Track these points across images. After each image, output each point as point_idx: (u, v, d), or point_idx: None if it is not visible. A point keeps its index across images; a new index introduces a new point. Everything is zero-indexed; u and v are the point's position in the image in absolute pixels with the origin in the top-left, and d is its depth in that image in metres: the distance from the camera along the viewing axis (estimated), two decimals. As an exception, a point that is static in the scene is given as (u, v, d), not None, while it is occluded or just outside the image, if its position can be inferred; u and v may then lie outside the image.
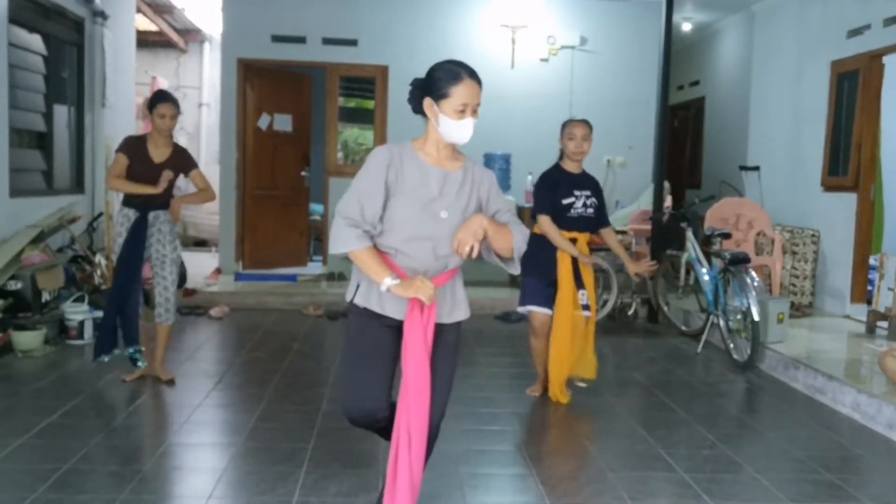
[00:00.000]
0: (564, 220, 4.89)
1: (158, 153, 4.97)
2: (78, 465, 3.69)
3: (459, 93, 2.77)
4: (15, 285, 6.02)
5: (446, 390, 2.95)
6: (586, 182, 4.99)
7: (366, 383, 2.86)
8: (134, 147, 4.97)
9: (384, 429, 2.96)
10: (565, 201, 4.88)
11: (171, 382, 5.10)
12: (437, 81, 2.80)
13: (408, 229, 2.77)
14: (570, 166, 4.97)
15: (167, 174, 4.92)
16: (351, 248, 2.72)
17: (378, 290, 2.77)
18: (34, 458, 3.76)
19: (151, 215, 4.97)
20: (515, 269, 2.95)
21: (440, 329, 2.87)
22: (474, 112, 2.79)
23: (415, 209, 2.77)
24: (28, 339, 5.71)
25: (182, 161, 5.07)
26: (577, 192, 4.90)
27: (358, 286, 2.89)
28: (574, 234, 4.89)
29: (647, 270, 5.25)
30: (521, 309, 5.09)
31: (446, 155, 2.88)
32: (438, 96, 2.79)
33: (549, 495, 3.54)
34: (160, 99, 4.98)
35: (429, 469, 3.78)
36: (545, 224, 4.86)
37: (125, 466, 3.74)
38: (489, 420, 4.64)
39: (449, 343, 2.94)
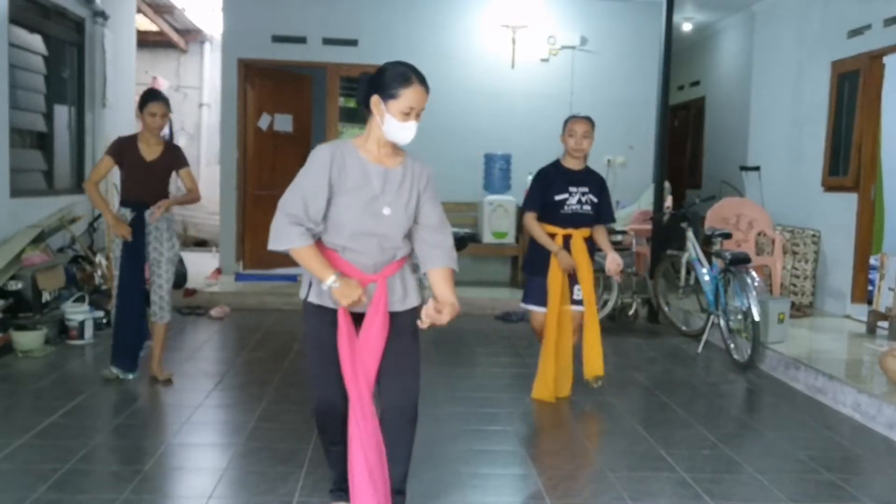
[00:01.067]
0: (557, 216, 4.88)
1: (150, 151, 4.98)
2: (78, 465, 3.69)
3: (408, 96, 2.80)
4: (15, 285, 6.02)
5: (412, 374, 3.06)
6: (587, 179, 4.95)
7: (327, 377, 2.97)
8: (124, 148, 4.99)
9: (344, 428, 3.00)
10: (558, 197, 4.86)
11: (168, 381, 5.11)
12: (388, 81, 2.85)
13: (351, 226, 2.84)
14: (570, 163, 4.95)
15: (157, 211, 4.92)
16: (293, 246, 2.78)
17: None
18: (35, 458, 3.76)
19: (147, 214, 4.97)
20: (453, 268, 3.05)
21: (396, 317, 2.95)
22: (418, 116, 2.84)
23: (357, 207, 2.83)
24: (28, 340, 5.71)
25: (173, 158, 5.08)
26: (572, 189, 4.87)
27: (311, 284, 2.97)
28: (569, 231, 4.88)
29: (615, 271, 5.02)
30: (522, 305, 5.14)
31: (386, 152, 2.92)
32: (387, 96, 2.83)
33: (550, 495, 3.54)
34: (151, 97, 4.98)
35: (429, 469, 3.79)
36: (529, 221, 4.91)
37: (126, 466, 3.74)
38: (489, 420, 4.64)
39: (407, 328, 3.00)
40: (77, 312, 6.14)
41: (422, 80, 2.85)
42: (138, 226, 4.94)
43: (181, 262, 8.29)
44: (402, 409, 3.03)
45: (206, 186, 12.84)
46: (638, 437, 4.39)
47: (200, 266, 9.34)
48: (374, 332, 2.87)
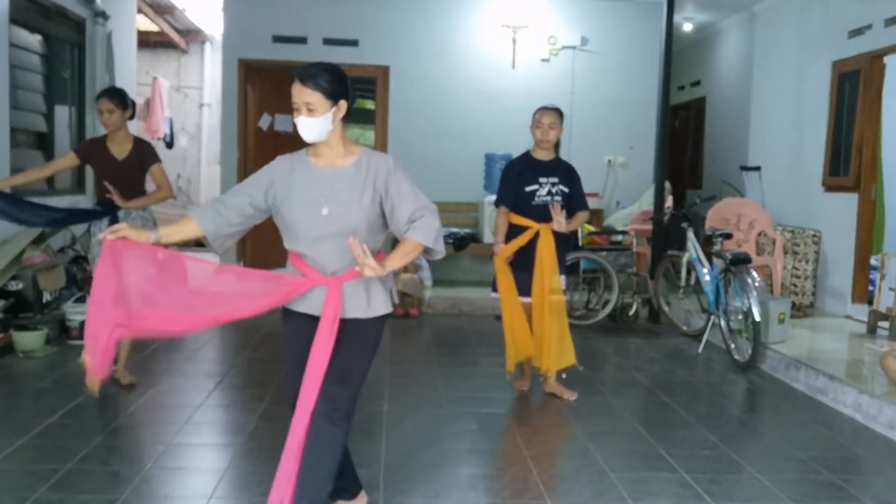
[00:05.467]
0: (528, 207, 4.90)
1: (119, 150, 4.91)
2: (79, 465, 3.69)
3: (293, 93, 2.83)
4: (16, 286, 6.02)
5: (349, 374, 2.89)
6: (556, 169, 4.98)
7: (296, 373, 2.92)
8: (92, 148, 4.96)
9: None
10: (528, 188, 4.90)
11: (130, 387, 4.95)
12: None
13: (301, 232, 2.82)
14: (539, 153, 5.00)
15: (123, 203, 4.85)
16: (188, 215, 2.88)
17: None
18: (35, 458, 3.77)
19: (122, 213, 4.90)
20: (438, 255, 2.89)
21: (357, 323, 2.88)
22: (310, 111, 2.80)
23: (303, 212, 2.81)
24: (29, 340, 5.71)
25: (144, 155, 4.97)
26: (542, 180, 4.91)
27: None
28: (542, 225, 4.87)
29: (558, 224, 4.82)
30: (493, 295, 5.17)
31: (338, 153, 2.90)
32: None
33: (550, 495, 3.54)
34: (98, 94, 4.93)
35: (429, 469, 3.79)
36: (498, 216, 4.99)
37: (126, 467, 3.74)
38: (489, 420, 4.64)
39: (364, 336, 2.92)
40: (78, 312, 6.13)
41: (301, 75, 2.82)
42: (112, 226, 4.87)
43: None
44: (325, 412, 2.83)
45: (207, 186, 12.93)
46: (638, 437, 4.39)
47: (201, 266, 9.32)
48: (322, 338, 2.79)
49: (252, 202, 2.86)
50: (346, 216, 2.80)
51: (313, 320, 2.86)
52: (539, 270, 4.90)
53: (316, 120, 2.80)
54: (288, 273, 2.91)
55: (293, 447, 2.82)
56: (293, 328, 2.96)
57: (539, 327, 4.98)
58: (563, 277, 5.04)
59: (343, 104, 2.85)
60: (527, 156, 5.03)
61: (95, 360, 2.78)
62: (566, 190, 4.95)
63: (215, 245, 2.88)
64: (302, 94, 2.80)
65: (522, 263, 4.93)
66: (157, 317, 2.81)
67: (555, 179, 4.93)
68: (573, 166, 5.08)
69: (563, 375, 5.16)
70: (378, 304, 2.92)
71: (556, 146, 5.05)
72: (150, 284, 2.79)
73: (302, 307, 2.90)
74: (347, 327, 2.86)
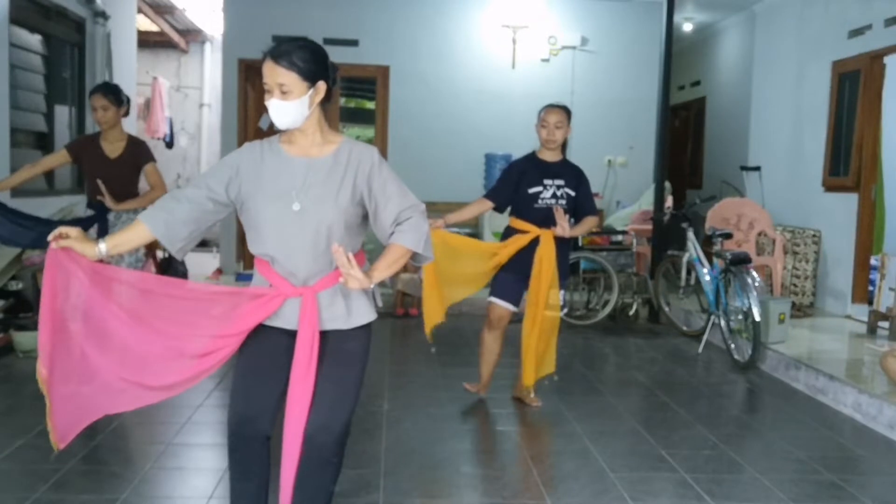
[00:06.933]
0: (531, 210, 4.57)
1: (112, 149, 4.79)
2: (79, 465, 3.69)
3: (264, 73, 2.48)
4: (16, 286, 6.02)
5: (338, 406, 2.53)
6: (563, 171, 4.66)
7: (251, 389, 2.57)
8: (84, 146, 4.86)
9: (261, 457, 2.60)
10: (531, 190, 4.57)
11: None
12: None
13: (270, 230, 2.49)
14: (545, 154, 4.69)
15: (114, 206, 4.73)
16: (141, 218, 2.53)
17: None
18: (36, 458, 3.76)
19: (112, 216, 4.79)
20: (426, 261, 2.59)
21: (338, 336, 2.56)
22: (283, 93, 2.45)
23: (271, 207, 2.48)
24: (29, 340, 5.70)
25: (137, 155, 4.84)
26: (546, 182, 4.59)
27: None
28: (543, 231, 4.53)
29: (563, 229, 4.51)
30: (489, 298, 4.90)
31: (315, 141, 2.56)
32: None
33: (550, 495, 3.54)
34: (92, 90, 4.81)
35: (429, 469, 3.79)
36: (475, 202, 4.74)
37: (126, 467, 3.74)
38: (489, 420, 4.64)
39: (348, 351, 2.57)
40: (78, 312, 6.13)
41: (274, 53, 2.45)
42: (101, 228, 4.74)
43: (182, 261, 8.29)
44: (318, 446, 2.50)
45: (207, 186, 12.93)
46: (638, 437, 4.39)
47: (201, 266, 9.34)
48: (303, 361, 2.47)
49: (210, 195, 2.51)
50: (320, 213, 2.47)
51: (284, 333, 2.55)
52: (536, 281, 4.57)
53: (290, 103, 2.45)
54: (253, 287, 2.57)
55: (287, 491, 2.53)
56: (256, 335, 2.56)
57: (527, 341, 4.73)
58: (562, 292, 4.74)
59: (321, 86, 2.51)
60: (532, 156, 4.73)
61: (58, 427, 2.56)
62: (573, 193, 4.63)
63: (172, 249, 2.53)
64: (274, 73, 2.44)
65: (514, 267, 4.64)
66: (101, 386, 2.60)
67: (560, 182, 4.61)
68: (582, 169, 4.77)
69: (546, 382, 4.98)
70: (360, 313, 2.59)
71: (564, 147, 4.74)
72: (96, 325, 2.59)
73: (272, 321, 2.55)
74: (328, 342, 2.53)
